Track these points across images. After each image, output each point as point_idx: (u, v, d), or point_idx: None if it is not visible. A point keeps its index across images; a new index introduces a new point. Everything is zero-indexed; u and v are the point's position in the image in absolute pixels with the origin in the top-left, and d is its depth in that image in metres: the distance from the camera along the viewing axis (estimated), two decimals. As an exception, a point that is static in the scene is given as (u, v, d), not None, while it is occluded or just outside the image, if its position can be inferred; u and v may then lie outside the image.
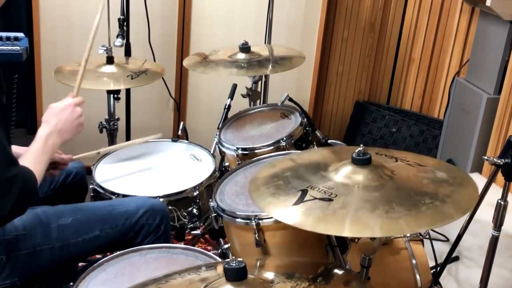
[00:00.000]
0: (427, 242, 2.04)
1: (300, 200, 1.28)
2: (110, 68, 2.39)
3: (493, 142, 2.60)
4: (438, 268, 1.89)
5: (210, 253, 1.60)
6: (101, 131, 2.53)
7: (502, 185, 1.54)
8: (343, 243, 1.61)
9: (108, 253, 2.08)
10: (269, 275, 1.25)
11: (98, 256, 2.08)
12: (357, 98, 3.71)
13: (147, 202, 1.79)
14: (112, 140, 2.56)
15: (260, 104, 2.66)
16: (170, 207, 1.98)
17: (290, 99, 2.30)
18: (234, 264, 1.13)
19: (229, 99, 2.48)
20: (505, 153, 1.49)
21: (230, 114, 2.46)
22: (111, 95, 2.48)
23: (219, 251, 1.89)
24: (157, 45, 3.13)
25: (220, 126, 2.37)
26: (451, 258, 1.91)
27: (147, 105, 3.32)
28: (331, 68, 3.64)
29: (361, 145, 1.36)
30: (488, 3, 2.54)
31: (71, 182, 2.00)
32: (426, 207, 1.22)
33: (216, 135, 2.31)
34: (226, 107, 2.46)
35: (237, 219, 1.68)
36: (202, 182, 2.05)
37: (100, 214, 1.73)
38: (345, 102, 3.72)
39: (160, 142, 2.35)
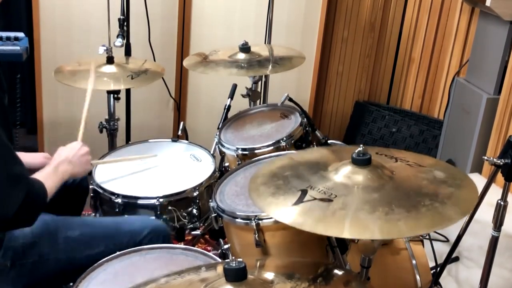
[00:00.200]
0: (427, 242, 2.05)
1: (300, 200, 1.28)
2: (110, 68, 2.39)
3: (493, 142, 2.60)
4: (438, 269, 1.89)
5: (210, 254, 1.61)
6: (101, 131, 2.53)
7: (502, 185, 1.54)
8: (343, 243, 1.61)
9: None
10: (269, 275, 1.25)
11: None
12: (357, 98, 3.71)
13: (150, 222, 1.82)
14: (112, 140, 2.56)
15: (260, 104, 2.66)
16: (170, 207, 1.98)
17: (290, 99, 2.30)
18: (234, 265, 1.13)
19: (229, 99, 2.48)
20: (505, 153, 1.49)
21: (230, 114, 2.46)
22: (111, 95, 2.48)
23: (219, 251, 1.89)
24: (157, 45, 3.13)
25: (220, 126, 2.37)
26: (451, 258, 1.91)
27: (147, 105, 3.32)
28: (331, 68, 3.64)
29: (361, 145, 1.36)
30: (488, 3, 2.54)
31: (72, 183, 2.00)
32: (426, 208, 1.21)
33: (216, 135, 2.30)
34: (226, 107, 2.46)
35: (237, 220, 1.68)
36: (202, 183, 2.05)
37: (106, 231, 1.75)
38: (345, 102, 3.72)
39: (160, 142, 2.35)
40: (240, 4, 3.25)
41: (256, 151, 2.12)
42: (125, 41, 2.58)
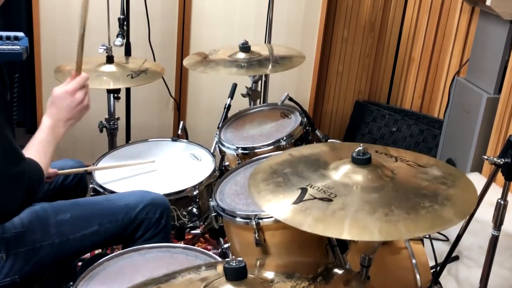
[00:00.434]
0: (427, 241, 2.05)
1: (300, 199, 1.28)
2: (110, 68, 2.39)
3: (493, 141, 2.60)
4: (438, 268, 1.89)
5: (210, 253, 1.60)
6: (101, 131, 2.53)
7: (502, 185, 1.54)
8: (343, 242, 1.61)
9: (108, 248, 2.09)
10: (269, 274, 1.25)
11: (98, 251, 2.09)
12: (357, 98, 3.71)
13: (147, 195, 1.78)
14: (112, 140, 2.56)
15: (260, 103, 2.66)
16: (170, 207, 1.97)
17: (290, 99, 2.30)
18: (234, 264, 1.13)
19: (229, 98, 2.48)
20: (505, 152, 1.49)
21: (230, 114, 2.46)
22: (111, 95, 2.48)
23: (219, 250, 1.89)
24: (157, 44, 3.13)
25: (220, 126, 2.37)
26: (451, 257, 1.91)
27: (147, 104, 3.32)
28: (331, 67, 3.64)
29: (361, 144, 1.36)
30: (488, 2, 2.54)
31: (70, 182, 2.00)
32: (425, 210, 1.21)
33: (216, 134, 2.30)
34: (226, 106, 2.46)
35: (237, 219, 1.68)
36: (202, 182, 2.05)
37: (99, 208, 1.72)
38: (345, 101, 3.72)
39: (160, 141, 2.35)
40: (240, 4, 3.25)
41: (256, 151, 2.12)
42: (125, 41, 2.58)
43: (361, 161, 1.34)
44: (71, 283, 1.52)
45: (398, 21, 3.56)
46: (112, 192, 1.97)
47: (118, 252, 1.61)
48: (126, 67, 2.44)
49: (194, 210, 2.03)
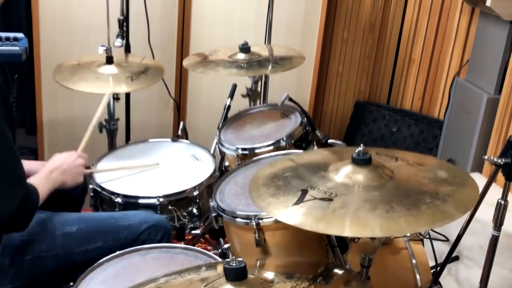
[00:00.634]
0: (427, 241, 2.04)
1: (300, 200, 1.28)
2: (110, 68, 2.39)
3: (493, 142, 2.60)
4: (438, 268, 1.89)
5: (210, 253, 1.61)
6: (101, 131, 2.52)
7: (502, 185, 1.54)
8: (343, 243, 1.61)
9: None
10: (269, 275, 1.25)
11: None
12: (357, 98, 3.71)
13: (151, 217, 1.81)
14: (112, 140, 2.56)
15: (260, 104, 2.66)
16: (170, 207, 1.98)
17: (290, 99, 2.31)
18: (234, 264, 1.13)
19: (229, 99, 2.48)
20: (505, 152, 1.49)
21: (230, 114, 2.46)
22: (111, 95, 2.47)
23: (219, 251, 1.89)
24: (157, 45, 3.12)
25: (220, 126, 2.37)
26: (451, 258, 1.91)
27: (147, 104, 3.32)
28: (331, 68, 3.64)
29: (361, 145, 1.36)
30: (488, 3, 2.54)
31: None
32: (426, 206, 1.21)
33: (216, 135, 2.30)
34: (226, 107, 2.46)
35: (237, 219, 1.68)
36: (202, 182, 2.05)
37: (104, 226, 1.75)
38: (345, 102, 3.72)
39: (160, 142, 2.35)
40: (240, 4, 3.25)
41: (256, 151, 2.12)
42: (124, 41, 2.58)
43: (362, 161, 1.35)
44: (71, 283, 1.52)
45: (398, 22, 3.56)
46: (112, 193, 1.97)
47: (118, 252, 1.61)
48: (126, 67, 2.43)
49: (194, 210, 2.03)
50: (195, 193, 2.02)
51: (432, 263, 1.98)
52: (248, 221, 1.64)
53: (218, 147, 2.25)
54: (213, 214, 1.78)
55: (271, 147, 2.11)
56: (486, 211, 1.66)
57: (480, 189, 1.40)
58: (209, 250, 1.73)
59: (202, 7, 3.27)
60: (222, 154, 2.26)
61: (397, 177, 1.34)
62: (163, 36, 3.25)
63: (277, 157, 1.93)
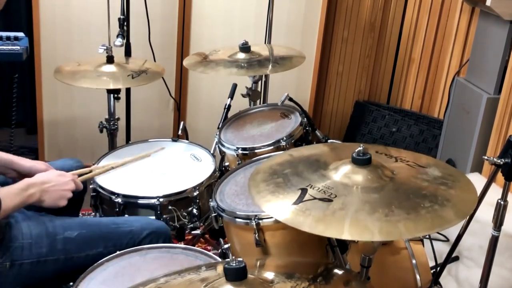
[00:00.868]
0: (427, 242, 2.04)
1: (300, 199, 1.28)
2: (110, 68, 2.39)
3: (493, 142, 2.60)
4: (438, 268, 1.89)
5: (210, 253, 1.60)
6: (101, 131, 2.53)
7: (502, 185, 1.54)
8: (343, 243, 1.61)
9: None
10: (269, 275, 1.25)
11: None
12: (357, 98, 3.71)
13: (152, 224, 1.80)
14: (112, 140, 2.56)
15: (260, 104, 2.66)
16: (170, 207, 1.98)
17: (290, 99, 2.30)
18: (234, 264, 1.13)
19: (229, 99, 2.48)
20: (505, 153, 1.49)
21: (230, 114, 2.46)
22: (111, 95, 2.48)
23: (219, 251, 1.89)
24: (157, 45, 3.13)
25: (220, 126, 2.37)
26: (451, 258, 1.91)
27: (147, 104, 3.32)
28: (331, 68, 3.64)
29: (361, 144, 1.36)
30: (488, 3, 2.54)
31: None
32: (426, 211, 1.21)
33: (216, 135, 2.30)
34: (226, 107, 2.46)
35: (237, 219, 1.68)
36: (202, 182, 2.05)
37: (105, 231, 1.74)
38: (345, 102, 3.72)
39: (160, 142, 2.35)
40: (240, 4, 3.25)
41: (256, 151, 2.12)
42: (125, 41, 2.58)
43: (361, 161, 1.34)
44: (71, 283, 1.52)
45: (398, 21, 3.56)
46: (112, 193, 1.97)
47: (118, 252, 1.61)
48: (126, 67, 2.44)
49: (194, 210, 2.03)
50: (195, 193, 2.02)
51: (432, 263, 1.98)
52: (248, 221, 1.64)
53: (218, 147, 2.25)
54: (213, 214, 1.78)
55: (271, 147, 2.11)
56: (486, 211, 1.66)
57: (480, 189, 1.40)
58: (209, 250, 1.73)
59: (202, 7, 3.27)
60: (222, 154, 2.26)
61: (397, 179, 1.34)
62: (163, 36, 3.25)
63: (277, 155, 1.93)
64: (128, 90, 2.95)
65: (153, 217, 1.94)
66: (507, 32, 2.61)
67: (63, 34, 3.10)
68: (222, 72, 2.37)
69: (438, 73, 3.38)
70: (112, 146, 2.54)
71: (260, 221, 1.62)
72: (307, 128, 2.23)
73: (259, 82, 2.59)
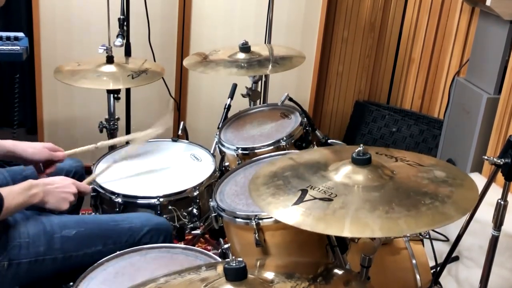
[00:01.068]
0: (427, 242, 2.04)
1: (300, 200, 1.28)
2: (110, 68, 2.39)
3: (493, 142, 2.60)
4: (438, 268, 1.89)
5: (210, 253, 1.60)
6: (101, 131, 2.53)
7: (502, 185, 1.54)
8: (343, 243, 1.61)
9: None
10: (269, 275, 1.25)
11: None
12: (357, 98, 3.71)
13: (152, 220, 1.79)
14: (112, 140, 2.56)
15: (260, 104, 2.66)
16: (170, 207, 1.98)
17: (290, 99, 2.30)
18: (234, 264, 1.13)
19: (229, 99, 2.48)
20: (505, 153, 1.49)
21: (230, 114, 2.46)
22: (111, 95, 2.48)
23: (219, 251, 1.89)
24: (157, 45, 3.12)
25: (220, 126, 2.37)
26: (451, 258, 1.91)
27: (147, 104, 3.32)
28: (331, 68, 3.64)
29: (361, 145, 1.36)
30: (488, 3, 2.54)
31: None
32: (426, 207, 1.21)
33: (216, 135, 2.31)
34: (226, 107, 2.46)
35: (237, 219, 1.68)
36: (202, 182, 2.05)
37: (104, 229, 1.73)
38: (345, 102, 3.72)
39: (160, 142, 2.35)
40: (240, 4, 3.25)
41: (256, 151, 2.12)
42: (125, 41, 2.58)
43: (361, 161, 1.35)
44: (71, 283, 1.52)
45: (398, 21, 3.56)
46: (112, 192, 1.97)
47: (118, 252, 1.61)
48: (126, 67, 2.44)
49: (194, 210, 2.03)
50: (195, 193, 2.02)
51: (432, 263, 1.98)
52: (248, 221, 1.64)
53: (218, 147, 2.25)
54: (213, 214, 1.78)
55: (271, 147, 2.12)
56: (486, 211, 1.66)
57: (480, 189, 1.40)
58: (209, 250, 1.73)
59: (202, 7, 3.27)
60: (222, 154, 2.26)
61: (397, 177, 1.34)
62: (163, 36, 3.25)
63: (277, 157, 1.93)
64: (128, 90, 2.95)
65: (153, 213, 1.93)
66: (507, 32, 2.61)
67: (63, 34, 3.10)
68: (222, 72, 2.37)
69: (438, 73, 3.39)
70: (112, 146, 2.54)
71: (260, 221, 1.62)
72: (307, 128, 2.23)
73: (259, 82, 2.59)
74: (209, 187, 2.07)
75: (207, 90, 3.38)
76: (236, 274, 1.12)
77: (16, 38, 2.72)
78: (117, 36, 2.47)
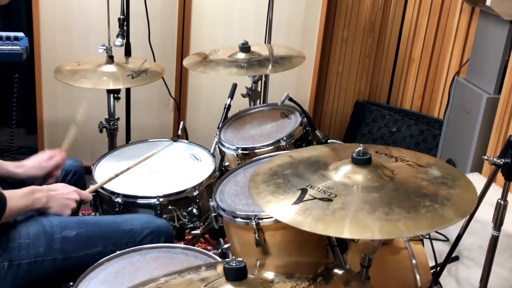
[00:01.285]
0: (427, 241, 2.05)
1: (300, 199, 1.28)
2: (110, 68, 2.39)
3: (493, 141, 2.60)
4: (438, 268, 1.89)
5: (210, 253, 1.60)
6: (101, 131, 2.53)
7: (502, 185, 1.54)
8: (343, 243, 1.61)
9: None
10: (269, 275, 1.25)
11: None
12: (357, 98, 3.71)
13: (153, 222, 1.79)
14: (112, 140, 2.56)
15: (260, 103, 2.66)
16: (170, 207, 1.98)
17: (290, 99, 2.30)
18: (234, 264, 1.13)
19: (229, 98, 2.48)
20: (505, 152, 1.49)
21: (230, 114, 2.46)
22: (111, 95, 2.48)
23: (219, 251, 1.89)
24: (157, 44, 3.12)
25: (220, 126, 2.37)
26: (451, 258, 1.91)
27: (147, 104, 3.32)
28: (331, 68, 3.64)
29: (361, 144, 1.36)
30: (488, 2, 2.54)
31: (69, 182, 2.00)
32: (426, 209, 1.21)
33: (216, 134, 2.30)
34: (226, 106, 2.46)
35: (237, 219, 1.68)
36: (202, 182, 2.05)
37: (104, 230, 1.73)
38: (345, 102, 3.72)
39: (160, 142, 2.35)
40: (240, 4, 3.25)
41: (256, 151, 2.12)
42: (125, 41, 2.58)
43: (361, 161, 1.34)
44: (71, 283, 1.52)
45: (398, 21, 3.56)
46: (112, 192, 1.97)
47: (118, 252, 1.61)
48: (126, 67, 2.44)
49: (194, 210, 2.03)
50: (195, 193, 2.02)
51: (432, 263, 1.98)
52: (248, 221, 1.64)
53: (218, 146, 2.25)
54: (213, 214, 1.78)
55: (271, 147, 2.11)
56: (486, 211, 1.66)
57: (480, 189, 1.40)
58: (209, 250, 1.73)
59: (202, 7, 3.27)
60: (222, 154, 2.26)
61: (397, 178, 1.34)
62: (163, 36, 3.25)
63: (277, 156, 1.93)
64: (128, 90, 2.95)
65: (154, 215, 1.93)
66: (507, 32, 2.61)
67: (63, 34, 3.10)
68: (222, 72, 2.37)
69: (438, 73, 3.39)
70: (112, 146, 2.54)
71: (260, 221, 1.62)
72: (307, 128, 2.23)
73: (259, 82, 2.59)
74: (209, 187, 2.07)
75: (207, 90, 3.38)
76: (236, 274, 1.12)
77: (16, 38, 2.72)
78: (117, 36, 2.47)
